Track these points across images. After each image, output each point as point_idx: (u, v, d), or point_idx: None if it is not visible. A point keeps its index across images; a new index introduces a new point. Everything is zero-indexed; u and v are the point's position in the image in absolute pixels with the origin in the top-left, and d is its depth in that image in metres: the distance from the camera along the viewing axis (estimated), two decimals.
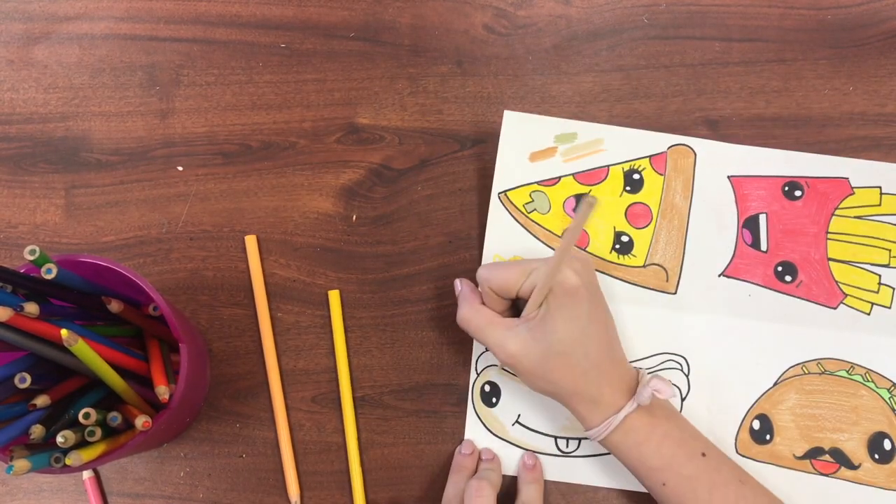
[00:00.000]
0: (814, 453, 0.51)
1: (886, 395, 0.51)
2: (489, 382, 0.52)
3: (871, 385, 0.51)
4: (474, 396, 0.52)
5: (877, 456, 0.50)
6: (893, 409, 0.51)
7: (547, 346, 0.44)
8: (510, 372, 0.52)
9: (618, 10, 0.56)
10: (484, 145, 0.56)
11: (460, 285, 0.50)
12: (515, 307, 0.48)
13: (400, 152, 0.55)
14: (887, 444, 0.50)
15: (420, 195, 0.55)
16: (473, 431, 0.51)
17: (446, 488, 0.49)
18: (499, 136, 0.54)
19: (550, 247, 0.53)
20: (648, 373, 0.46)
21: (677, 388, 0.51)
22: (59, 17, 0.56)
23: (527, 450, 0.51)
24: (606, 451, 0.50)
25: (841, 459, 0.50)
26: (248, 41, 0.56)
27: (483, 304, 0.48)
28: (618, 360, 0.46)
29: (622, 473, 0.51)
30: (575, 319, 0.44)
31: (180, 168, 0.55)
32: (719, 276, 0.53)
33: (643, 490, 0.51)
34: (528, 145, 0.54)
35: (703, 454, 0.45)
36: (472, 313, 0.47)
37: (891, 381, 0.51)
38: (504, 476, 0.51)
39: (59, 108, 0.55)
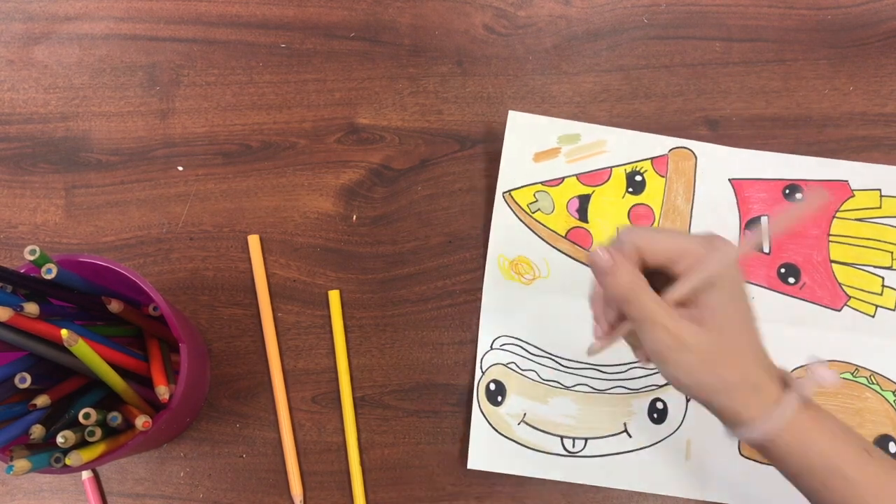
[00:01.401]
0: None
1: (891, 398, 0.51)
2: (494, 381, 0.52)
3: (877, 388, 0.51)
4: (479, 395, 0.52)
5: None
6: None
7: (718, 332, 0.39)
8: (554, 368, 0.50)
9: (618, 10, 0.56)
10: (484, 145, 0.56)
11: (605, 253, 0.39)
12: None
13: (400, 152, 0.55)
14: (892, 447, 0.50)
15: (420, 195, 0.55)
16: (478, 430, 0.51)
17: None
18: (499, 135, 0.54)
19: (554, 246, 0.53)
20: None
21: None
22: (59, 17, 0.56)
23: (534, 449, 0.51)
24: (613, 452, 0.51)
25: None
26: (248, 41, 0.56)
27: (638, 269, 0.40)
28: (762, 343, 0.41)
29: (627, 474, 0.51)
30: (739, 306, 0.39)
31: (180, 168, 0.55)
32: None
33: (646, 490, 0.51)
34: (532, 145, 0.54)
35: (867, 450, 0.40)
36: (633, 285, 0.39)
37: None
38: (510, 476, 0.51)
39: (59, 108, 0.55)
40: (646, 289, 0.39)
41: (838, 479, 0.40)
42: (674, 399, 0.51)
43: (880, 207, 0.53)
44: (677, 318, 0.39)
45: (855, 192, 0.54)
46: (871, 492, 0.39)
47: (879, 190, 0.54)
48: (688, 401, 0.51)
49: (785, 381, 0.40)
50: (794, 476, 0.41)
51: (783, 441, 0.40)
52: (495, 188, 0.54)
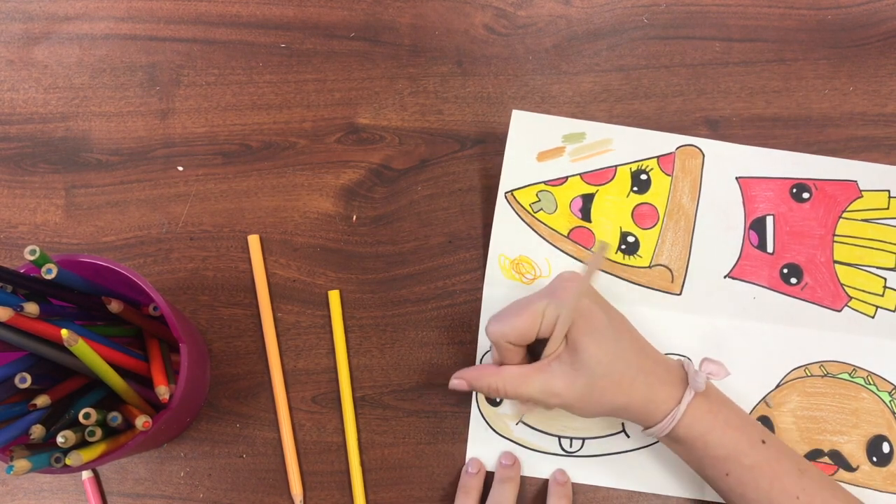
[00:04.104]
0: (813, 455, 0.51)
1: (887, 399, 0.51)
2: None
3: (873, 388, 0.51)
4: (478, 396, 0.52)
5: (875, 459, 0.50)
6: (894, 413, 0.51)
7: (589, 373, 0.43)
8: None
9: (618, 10, 0.56)
10: (484, 145, 0.56)
11: (458, 381, 0.47)
12: (531, 353, 0.47)
13: (400, 152, 0.55)
14: (886, 447, 0.50)
15: (420, 195, 0.55)
16: (476, 431, 0.51)
17: None
18: (499, 135, 0.54)
19: (556, 246, 0.53)
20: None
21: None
22: (59, 17, 0.56)
23: (532, 449, 0.51)
24: (611, 451, 0.51)
25: (839, 461, 0.50)
26: (248, 41, 0.56)
27: (498, 366, 0.46)
28: (657, 357, 0.46)
29: (626, 473, 0.51)
30: (603, 339, 0.43)
31: (180, 168, 0.55)
32: (724, 277, 0.53)
33: (645, 490, 0.51)
34: (536, 145, 0.54)
35: (763, 441, 0.44)
36: (498, 379, 0.45)
37: (892, 384, 0.51)
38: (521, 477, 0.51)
39: (59, 108, 0.55)
40: (507, 377, 0.45)
41: (737, 467, 0.44)
42: None
43: (888, 209, 0.53)
44: (543, 378, 0.44)
45: (863, 193, 0.54)
46: (767, 477, 0.43)
47: (888, 191, 0.54)
48: None
49: (682, 378, 0.44)
50: (699, 462, 0.45)
51: (680, 435, 0.44)
52: (496, 187, 0.54)
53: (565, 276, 0.46)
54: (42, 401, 0.41)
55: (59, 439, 0.39)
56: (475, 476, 0.51)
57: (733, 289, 0.52)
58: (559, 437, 0.51)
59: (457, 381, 0.47)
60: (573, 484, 0.51)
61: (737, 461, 0.44)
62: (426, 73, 0.56)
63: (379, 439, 0.52)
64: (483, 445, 0.51)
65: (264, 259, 0.54)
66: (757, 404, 0.51)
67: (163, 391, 0.43)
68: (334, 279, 0.54)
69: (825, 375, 0.51)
